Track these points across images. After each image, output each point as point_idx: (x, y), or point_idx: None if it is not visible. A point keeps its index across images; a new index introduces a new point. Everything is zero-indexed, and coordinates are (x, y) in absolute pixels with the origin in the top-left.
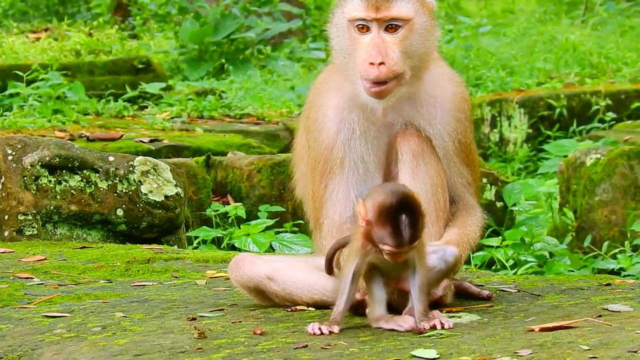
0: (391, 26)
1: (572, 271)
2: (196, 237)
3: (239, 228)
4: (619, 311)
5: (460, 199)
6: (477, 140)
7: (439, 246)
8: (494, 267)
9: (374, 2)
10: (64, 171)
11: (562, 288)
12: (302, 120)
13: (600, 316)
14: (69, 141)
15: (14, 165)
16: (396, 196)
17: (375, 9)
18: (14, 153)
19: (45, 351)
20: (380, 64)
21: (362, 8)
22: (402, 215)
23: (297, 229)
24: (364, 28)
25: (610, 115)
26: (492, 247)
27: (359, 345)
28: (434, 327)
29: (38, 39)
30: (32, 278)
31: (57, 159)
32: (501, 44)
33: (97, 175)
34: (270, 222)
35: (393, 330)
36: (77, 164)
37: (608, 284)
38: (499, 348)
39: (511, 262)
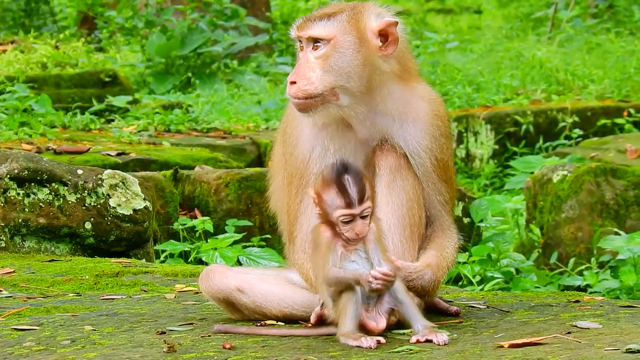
0: (316, 45)
1: (539, 287)
2: (164, 251)
3: (207, 242)
4: (588, 328)
5: (436, 219)
6: None
7: (417, 270)
8: (460, 283)
9: (300, 21)
10: (33, 184)
11: (531, 304)
12: (280, 134)
13: (569, 333)
14: (38, 154)
15: None
16: (337, 162)
17: (298, 28)
18: None
19: None
20: (292, 82)
21: (294, 27)
22: (344, 175)
23: (264, 243)
24: (301, 46)
25: (577, 132)
26: (459, 263)
27: None
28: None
29: (4, 51)
30: (0, 291)
31: (26, 172)
32: (468, 60)
33: (66, 188)
34: (238, 236)
35: (359, 347)
36: (46, 176)
37: (577, 301)
38: None
39: (478, 278)
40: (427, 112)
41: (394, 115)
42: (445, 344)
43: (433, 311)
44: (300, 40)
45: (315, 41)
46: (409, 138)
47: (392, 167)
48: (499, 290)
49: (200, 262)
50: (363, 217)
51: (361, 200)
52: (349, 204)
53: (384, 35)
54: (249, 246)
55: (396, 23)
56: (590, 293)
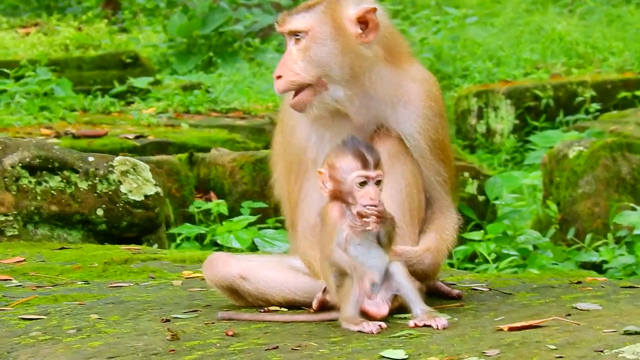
0: (297, 38)
1: (556, 264)
2: (179, 234)
3: (222, 225)
4: (588, 310)
5: (436, 200)
6: (463, 132)
7: (417, 255)
8: (476, 261)
9: (281, 16)
10: (44, 172)
11: (533, 286)
12: (278, 123)
13: (569, 315)
14: (49, 142)
15: None
16: (348, 136)
17: (279, 23)
18: None
19: (21, 354)
20: (278, 77)
21: (276, 23)
22: (357, 142)
23: (279, 224)
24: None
25: (594, 106)
26: (474, 240)
27: (329, 346)
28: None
29: (28, 33)
30: (10, 280)
31: (37, 160)
32: (488, 34)
33: (77, 175)
34: (253, 218)
35: (360, 332)
36: (57, 164)
37: (579, 282)
38: (467, 348)
39: (493, 255)
40: (418, 93)
41: (386, 99)
42: (444, 328)
43: (435, 294)
44: (284, 35)
45: (295, 34)
46: (402, 120)
47: (390, 152)
48: (515, 267)
49: (215, 244)
50: (377, 184)
51: (376, 165)
52: (365, 165)
53: (363, 22)
54: (264, 228)
55: (375, 9)
56: (606, 269)
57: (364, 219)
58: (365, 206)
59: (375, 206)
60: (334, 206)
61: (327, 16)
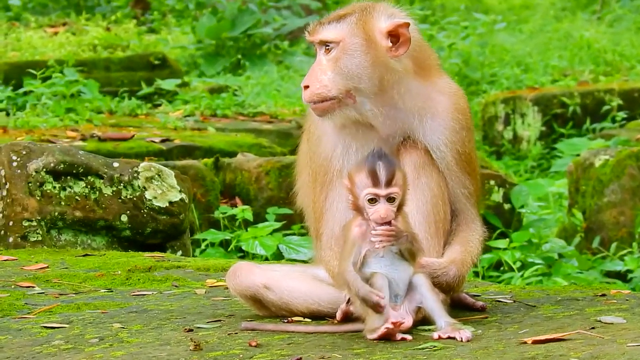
0: (327, 48)
1: (581, 273)
2: (204, 240)
3: (247, 231)
4: (612, 323)
5: (461, 212)
6: (490, 138)
7: (442, 267)
8: (502, 269)
9: (312, 26)
10: (69, 177)
11: (557, 299)
12: (305, 132)
13: (593, 328)
14: (75, 144)
15: (19, 171)
16: (373, 149)
17: (310, 33)
18: (18, 159)
19: None
20: (306, 87)
21: (307, 32)
22: (377, 160)
23: (305, 231)
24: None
25: (621, 115)
26: (499, 249)
27: (352, 357)
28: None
29: (56, 33)
30: (33, 287)
31: (62, 165)
32: (516, 40)
33: (102, 181)
34: (278, 224)
35: (387, 332)
36: (82, 170)
37: (603, 295)
38: None
39: (519, 264)
40: (446, 106)
41: (414, 111)
42: (468, 341)
43: (459, 306)
44: (314, 45)
45: (326, 44)
46: (429, 133)
47: (416, 164)
48: (540, 275)
49: (240, 250)
50: (389, 201)
51: (389, 184)
52: (375, 184)
53: (394, 35)
54: (289, 234)
55: (407, 24)
56: (631, 279)
57: (375, 237)
58: (375, 224)
59: (388, 224)
60: (357, 223)
61: (358, 28)
